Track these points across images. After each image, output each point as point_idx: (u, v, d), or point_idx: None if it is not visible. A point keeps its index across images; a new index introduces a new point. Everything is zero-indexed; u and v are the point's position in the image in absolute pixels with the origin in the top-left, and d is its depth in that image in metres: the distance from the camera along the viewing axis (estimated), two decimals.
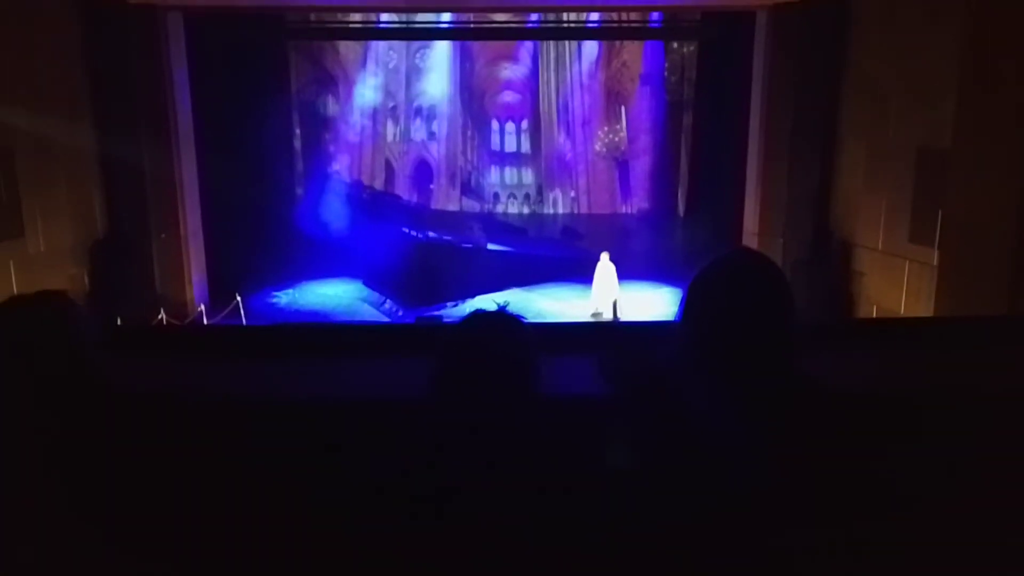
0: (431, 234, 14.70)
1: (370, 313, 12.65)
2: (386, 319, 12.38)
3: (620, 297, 12.08)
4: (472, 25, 13.91)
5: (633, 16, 14.26)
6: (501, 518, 1.51)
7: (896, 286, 8.87)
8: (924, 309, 8.27)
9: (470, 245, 14.64)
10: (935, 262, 8.12)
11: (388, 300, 12.95)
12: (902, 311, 8.72)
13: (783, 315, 1.56)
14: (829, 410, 1.57)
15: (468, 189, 16.08)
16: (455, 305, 12.35)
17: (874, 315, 9.17)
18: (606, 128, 15.85)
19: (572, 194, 16.04)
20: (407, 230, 14.59)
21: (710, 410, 1.52)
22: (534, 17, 13.94)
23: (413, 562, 1.50)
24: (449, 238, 14.71)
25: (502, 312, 1.76)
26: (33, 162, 8.82)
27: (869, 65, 9.27)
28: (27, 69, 8.76)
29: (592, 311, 12.01)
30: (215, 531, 1.47)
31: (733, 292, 1.56)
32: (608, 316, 11.81)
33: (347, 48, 15.19)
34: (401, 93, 15.71)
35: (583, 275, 12.41)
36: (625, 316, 11.93)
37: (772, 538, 1.46)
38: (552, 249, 15.17)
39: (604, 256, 12.10)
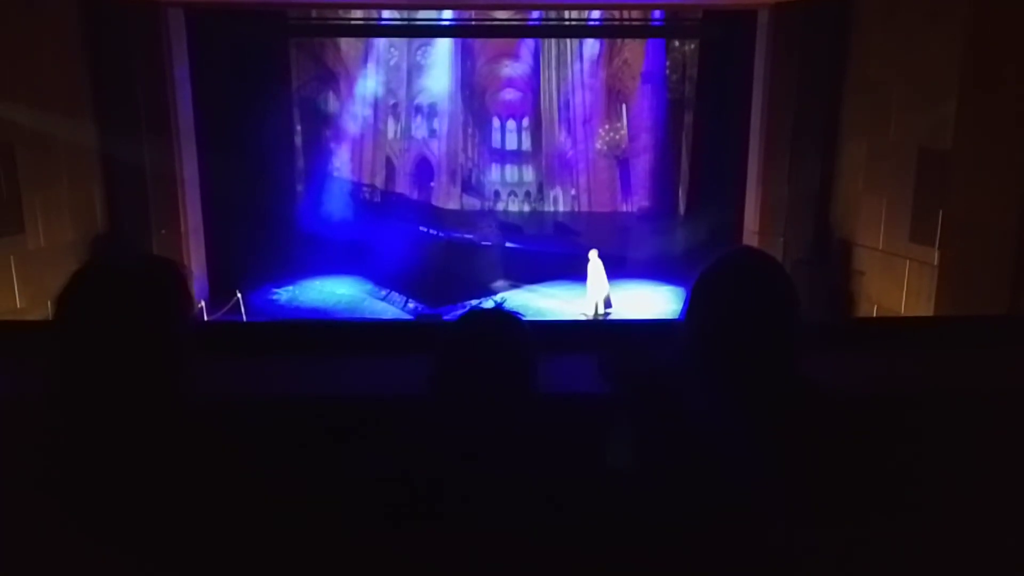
0: (452, 233, 14.67)
1: (392, 312, 12.60)
2: (410, 319, 12.32)
3: (609, 293, 12.04)
4: (473, 22, 13.90)
5: (634, 14, 14.24)
6: (499, 517, 1.51)
7: (897, 285, 8.86)
8: (924, 309, 8.26)
9: (489, 243, 14.63)
10: (936, 262, 8.11)
11: (410, 299, 12.90)
12: (902, 310, 8.71)
13: (787, 315, 1.55)
14: (830, 410, 1.57)
15: (469, 187, 16.04)
16: (479, 303, 12.28)
17: (874, 314, 9.16)
18: (607, 126, 15.81)
19: (572, 192, 16.00)
20: (425, 228, 14.53)
21: (711, 410, 1.51)
22: (535, 15, 13.92)
23: (411, 561, 1.49)
24: (470, 236, 14.69)
25: (500, 309, 1.75)
26: (34, 158, 8.80)
27: (870, 65, 9.26)
28: (28, 65, 8.75)
29: (589, 312, 11.99)
30: (210, 530, 1.47)
31: (738, 292, 1.55)
32: (591, 313, 11.78)
33: (348, 45, 15.14)
34: (402, 90, 15.67)
35: (584, 273, 12.40)
36: (616, 310, 11.89)
37: (772, 539, 1.45)
38: (555, 246, 15.14)
39: (592, 254, 12.05)
